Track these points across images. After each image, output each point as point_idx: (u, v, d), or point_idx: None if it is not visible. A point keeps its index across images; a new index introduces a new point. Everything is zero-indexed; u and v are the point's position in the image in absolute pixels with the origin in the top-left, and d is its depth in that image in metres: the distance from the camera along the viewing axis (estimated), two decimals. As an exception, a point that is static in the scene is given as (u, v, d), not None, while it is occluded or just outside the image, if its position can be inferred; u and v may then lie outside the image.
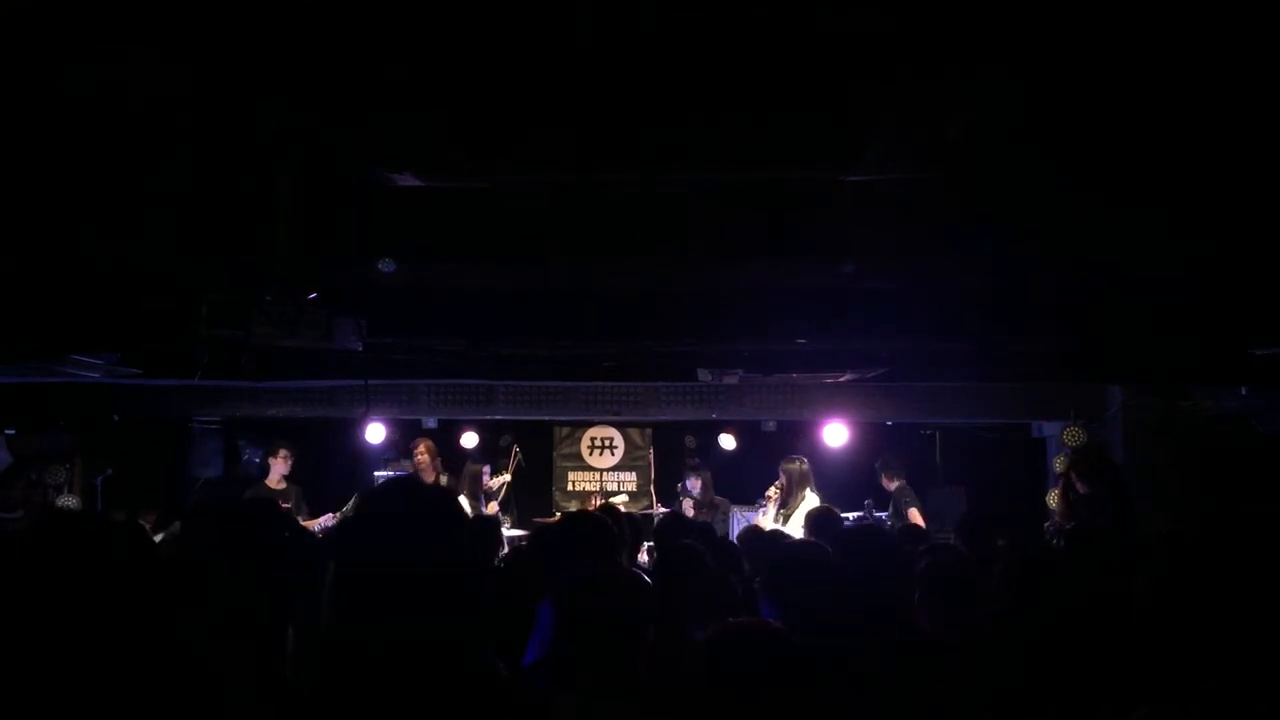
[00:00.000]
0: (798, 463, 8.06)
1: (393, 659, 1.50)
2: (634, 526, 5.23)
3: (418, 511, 1.64)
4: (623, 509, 8.72)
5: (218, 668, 1.97)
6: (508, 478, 8.81)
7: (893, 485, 8.45)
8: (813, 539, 5.26)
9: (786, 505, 7.99)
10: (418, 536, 1.59)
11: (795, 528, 7.16)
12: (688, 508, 8.59)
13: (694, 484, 8.87)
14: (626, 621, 2.32)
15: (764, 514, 8.13)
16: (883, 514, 8.57)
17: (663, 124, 4.08)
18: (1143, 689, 2.58)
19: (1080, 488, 6.43)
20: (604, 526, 3.82)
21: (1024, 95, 3.77)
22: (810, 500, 7.99)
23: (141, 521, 6.43)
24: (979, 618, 3.25)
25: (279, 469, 7.90)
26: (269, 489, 7.77)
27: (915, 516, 8.07)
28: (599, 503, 9.31)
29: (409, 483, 2.18)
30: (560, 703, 2.13)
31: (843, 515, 6.40)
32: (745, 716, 1.97)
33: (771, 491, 8.22)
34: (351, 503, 7.38)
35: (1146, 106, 3.84)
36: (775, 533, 5.78)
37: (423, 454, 8.27)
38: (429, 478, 8.16)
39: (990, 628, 3.12)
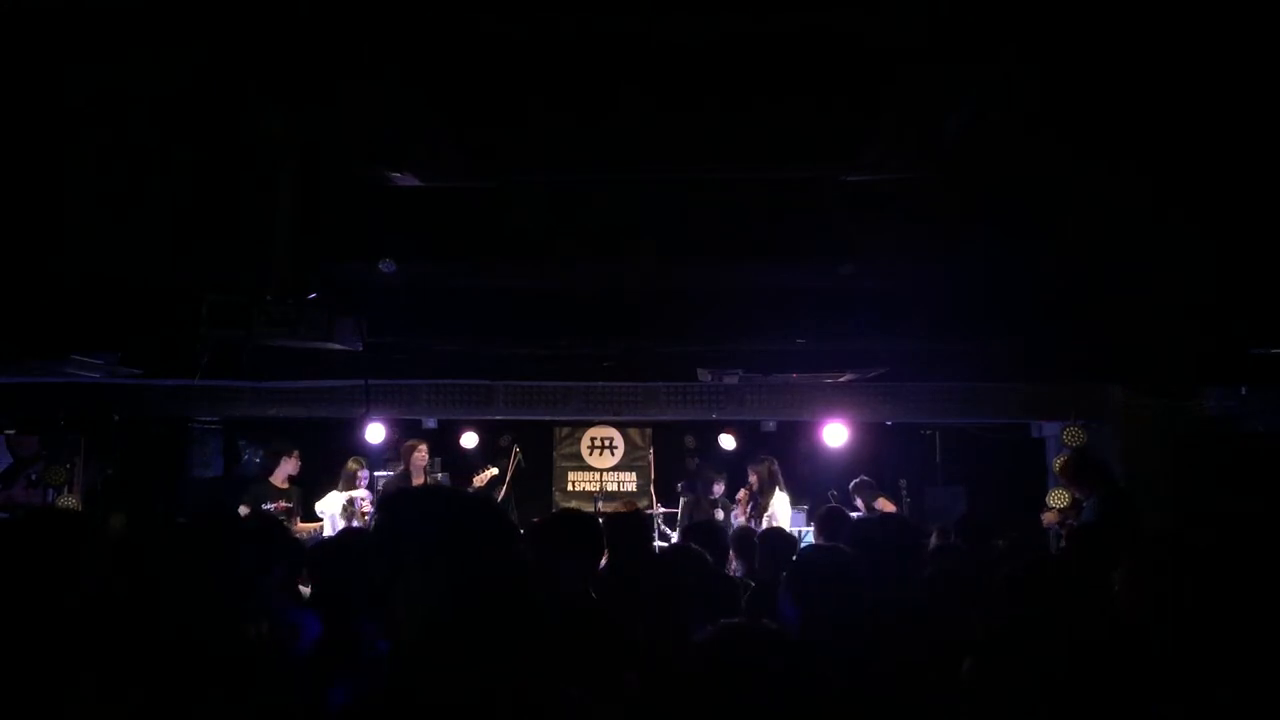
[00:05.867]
0: (766, 463, 8.29)
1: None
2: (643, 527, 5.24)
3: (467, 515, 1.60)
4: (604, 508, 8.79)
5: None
6: (494, 472, 8.74)
7: (859, 502, 8.48)
8: (828, 541, 5.28)
9: (758, 504, 8.13)
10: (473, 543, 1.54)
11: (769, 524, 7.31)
12: (738, 514, 8.53)
13: (719, 488, 8.88)
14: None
15: (736, 516, 8.23)
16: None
17: (663, 124, 4.08)
18: (1145, 686, 2.58)
19: (1075, 491, 6.47)
20: (591, 526, 3.84)
21: (1024, 95, 3.77)
22: (780, 498, 8.10)
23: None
24: (983, 618, 3.25)
25: (287, 469, 7.88)
26: (274, 487, 7.75)
27: (886, 505, 8.12)
28: (598, 506, 9.32)
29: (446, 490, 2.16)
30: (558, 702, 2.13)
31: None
32: (744, 717, 1.97)
33: (741, 494, 8.33)
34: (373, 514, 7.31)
35: (1145, 109, 3.84)
36: (779, 531, 5.79)
37: (421, 454, 8.21)
38: (419, 480, 8.11)
39: (996, 628, 3.12)
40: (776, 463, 8.43)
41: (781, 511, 8.04)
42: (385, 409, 8.60)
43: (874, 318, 5.96)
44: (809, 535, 7.43)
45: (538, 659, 1.57)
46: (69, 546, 2.25)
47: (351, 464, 8.00)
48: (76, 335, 6.19)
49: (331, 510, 7.71)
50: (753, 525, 7.81)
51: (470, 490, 8.45)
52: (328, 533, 7.40)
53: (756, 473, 8.35)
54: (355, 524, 7.35)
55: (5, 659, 1.99)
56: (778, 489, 8.22)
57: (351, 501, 7.70)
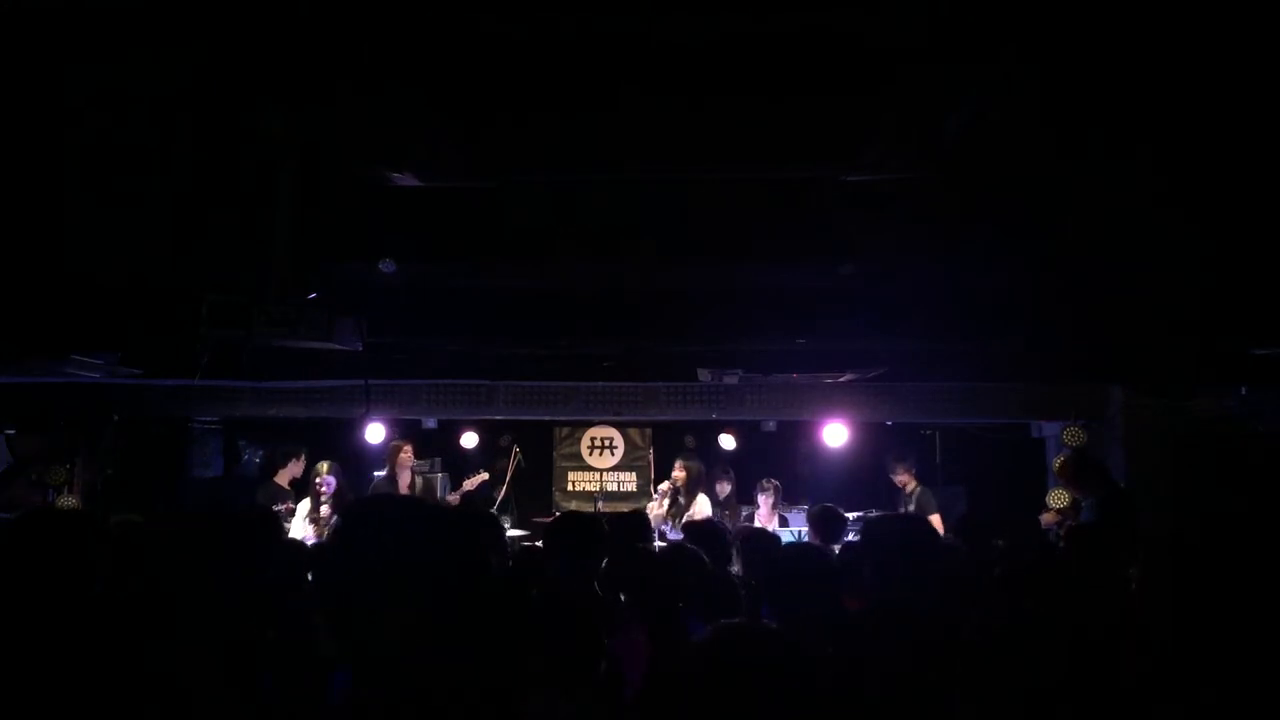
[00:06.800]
0: (697, 464, 8.26)
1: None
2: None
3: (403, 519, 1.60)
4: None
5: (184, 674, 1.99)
6: (484, 476, 8.71)
7: (909, 484, 8.33)
8: (815, 541, 5.28)
9: (680, 504, 8.04)
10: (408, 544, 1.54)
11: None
12: (763, 514, 8.42)
13: (723, 488, 8.80)
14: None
15: (656, 508, 8.12)
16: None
17: (663, 124, 4.08)
18: (1145, 686, 2.58)
19: (1075, 491, 6.48)
20: (587, 526, 3.85)
21: (1024, 95, 3.77)
22: (702, 502, 8.05)
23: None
24: (983, 617, 3.25)
25: (293, 471, 7.87)
26: (281, 488, 7.74)
27: (937, 522, 7.99)
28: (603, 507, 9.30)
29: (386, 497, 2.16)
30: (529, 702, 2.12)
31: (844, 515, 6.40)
32: (744, 717, 1.96)
33: (664, 487, 8.25)
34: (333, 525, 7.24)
35: (1145, 109, 3.84)
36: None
37: (406, 455, 8.17)
38: (406, 479, 8.08)
39: (995, 628, 3.12)
40: (705, 469, 8.39)
41: (702, 516, 7.92)
42: (385, 409, 8.59)
43: (874, 318, 5.96)
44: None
45: (532, 659, 1.56)
46: (79, 546, 2.25)
47: (321, 465, 7.60)
48: (76, 335, 6.19)
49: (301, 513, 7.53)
50: (666, 526, 7.79)
51: (460, 492, 8.48)
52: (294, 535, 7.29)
53: (686, 469, 8.16)
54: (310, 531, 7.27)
55: (12, 658, 1.99)
56: (701, 493, 8.17)
57: (317, 514, 7.49)
